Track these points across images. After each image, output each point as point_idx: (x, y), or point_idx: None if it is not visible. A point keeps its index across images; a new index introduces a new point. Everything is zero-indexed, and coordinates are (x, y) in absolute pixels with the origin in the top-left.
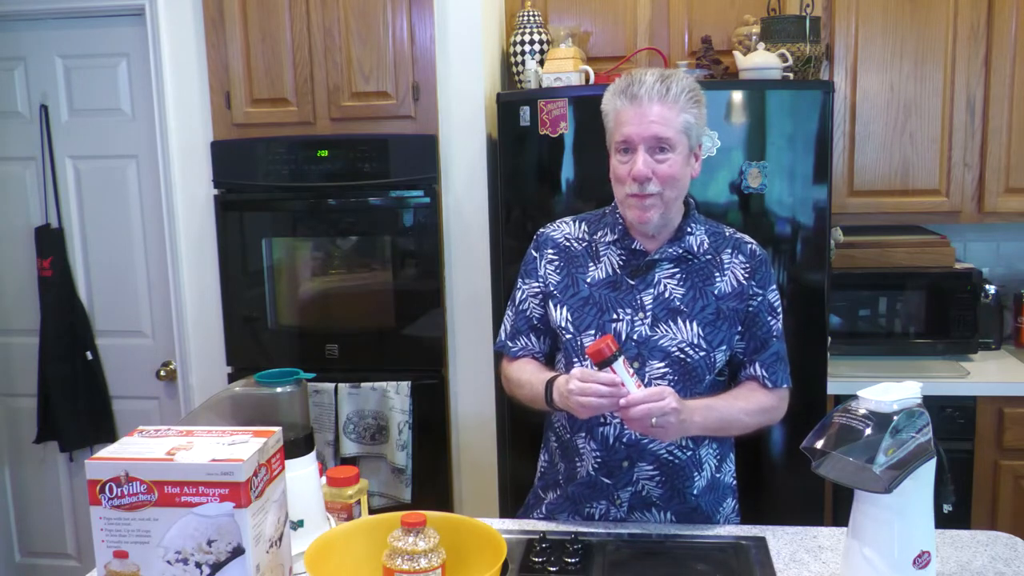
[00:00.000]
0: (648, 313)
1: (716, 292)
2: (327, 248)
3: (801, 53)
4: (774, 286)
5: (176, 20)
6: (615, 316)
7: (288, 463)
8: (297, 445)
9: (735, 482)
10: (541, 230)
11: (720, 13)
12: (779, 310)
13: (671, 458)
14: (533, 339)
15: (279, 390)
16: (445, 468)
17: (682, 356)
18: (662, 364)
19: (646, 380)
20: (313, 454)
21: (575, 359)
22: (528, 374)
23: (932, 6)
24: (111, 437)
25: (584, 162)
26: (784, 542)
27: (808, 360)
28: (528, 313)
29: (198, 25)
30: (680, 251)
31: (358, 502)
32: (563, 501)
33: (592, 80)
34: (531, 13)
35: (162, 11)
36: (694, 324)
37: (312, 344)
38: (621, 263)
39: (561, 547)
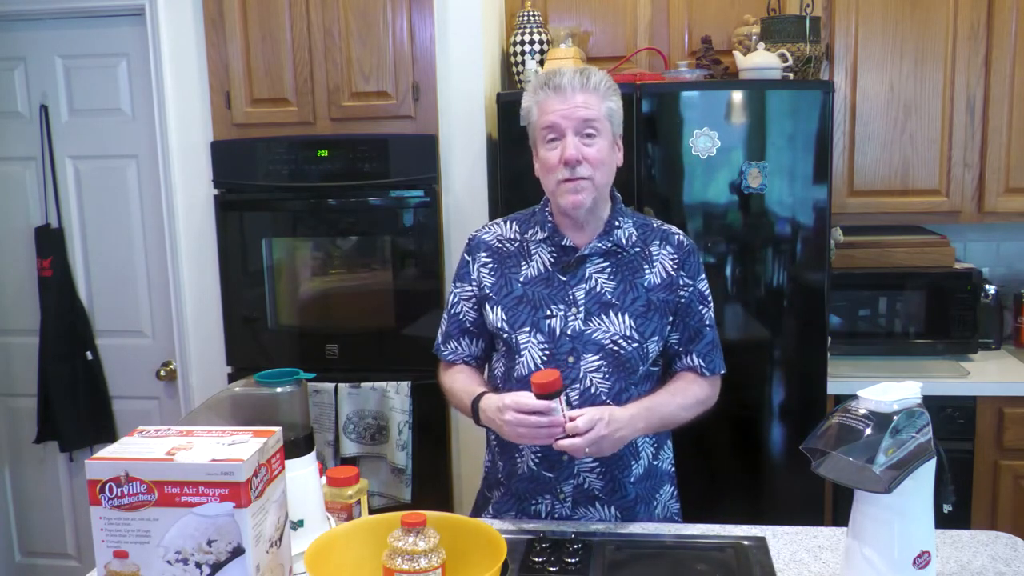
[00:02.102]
0: (581, 308)
1: (646, 284)
2: (327, 248)
3: (801, 53)
4: (703, 275)
5: (176, 20)
6: (548, 312)
7: (288, 463)
8: (297, 445)
9: (673, 469)
10: (473, 233)
11: (720, 13)
12: (709, 298)
13: None
14: (465, 342)
15: (279, 390)
16: (445, 468)
17: (615, 348)
18: (596, 357)
19: (581, 373)
20: (313, 454)
21: (518, 356)
22: (459, 384)
23: (932, 6)
24: (111, 437)
25: None
26: (784, 542)
27: (808, 360)
28: (461, 316)
29: (198, 25)
30: (609, 244)
31: (358, 502)
32: (508, 499)
33: None
34: (531, 13)
35: (162, 11)
36: (626, 316)
37: (312, 344)
38: (552, 260)
39: (561, 547)
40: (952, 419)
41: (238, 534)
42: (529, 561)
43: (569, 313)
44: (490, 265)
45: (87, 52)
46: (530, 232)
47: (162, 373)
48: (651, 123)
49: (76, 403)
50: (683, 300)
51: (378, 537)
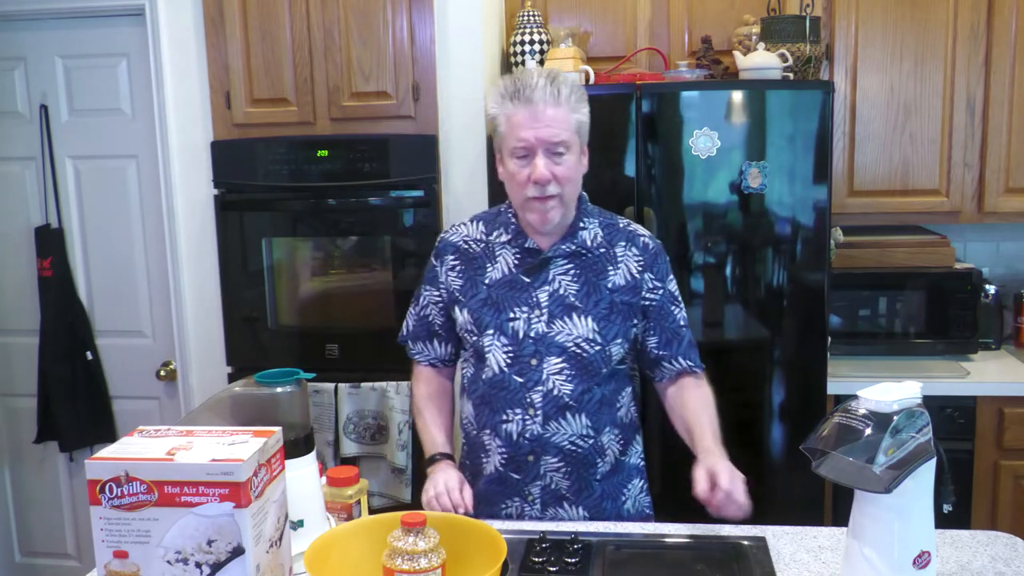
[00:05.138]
0: (544, 310)
1: (610, 286)
2: (327, 248)
3: (801, 53)
4: (672, 276)
5: (176, 20)
6: (512, 315)
7: (288, 463)
8: (297, 445)
9: (643, 463)
10: (441, 235)
11: (720, 13)
12: (680, 298)
13: (574, 448)
14: (433, 345)
15: (279, 390)
16: None
17: (578, 351)
18: (559, 360)
19: (544, 376)
20: (313, 454)
21: (484, 358)
22: (427, 416)
23: (932, 6)
24: (111, 437)
25: None
26: (784, 542)
27: (808, 360)
28: (429, 319)
29: (198, 25)
30: (573, 247)
31: (358, 502)
32: (477, 502)
33: (592, 80)
34: (531, 13)
35: (162, 11)
36: (588, 319)
37: (312, 344)
38: (516, 262)
39: (561, 547)
40: (952, 419)
41: (238, 534)
42: (529, 561)
43: (533, 315)
44: (458, 267)
45: (87, 52)
46: (495, 234)
47: (162, 373)
48: (651, 123)
49: (76, 403)
50: (654, 304)
51: (378, 537)
